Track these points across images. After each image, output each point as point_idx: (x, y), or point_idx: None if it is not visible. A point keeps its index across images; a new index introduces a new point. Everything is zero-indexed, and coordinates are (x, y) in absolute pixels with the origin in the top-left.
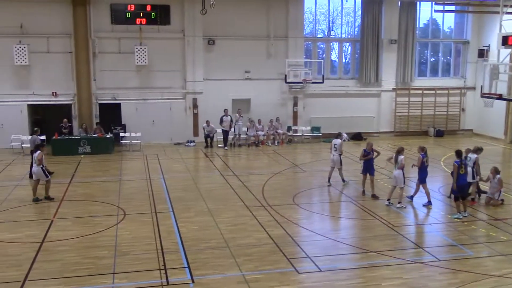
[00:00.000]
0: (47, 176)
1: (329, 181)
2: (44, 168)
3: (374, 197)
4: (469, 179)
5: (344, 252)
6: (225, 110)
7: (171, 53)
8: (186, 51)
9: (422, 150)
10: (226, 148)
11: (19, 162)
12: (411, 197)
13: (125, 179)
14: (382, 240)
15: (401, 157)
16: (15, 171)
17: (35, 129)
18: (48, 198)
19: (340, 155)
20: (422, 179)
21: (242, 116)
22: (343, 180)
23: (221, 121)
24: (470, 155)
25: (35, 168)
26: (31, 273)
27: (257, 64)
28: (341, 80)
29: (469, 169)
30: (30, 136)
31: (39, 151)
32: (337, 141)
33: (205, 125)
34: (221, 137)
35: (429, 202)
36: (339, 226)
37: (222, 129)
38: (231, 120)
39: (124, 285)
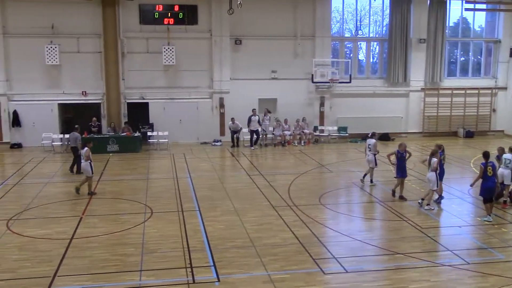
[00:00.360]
0: (92, 173)
1: (371, 181)
2: (91, 164)
3: (402, 198)
4: (508, 181)
5: (370, 253)
6: (253, 110)
7: (198, 53)
8: (213, 51)
9: (440, 148)
10: (254, 148)
11: (49, 160)
12: (440, 198)
13: (152, 178)
14: (410, 242)
15: (434, 159)
16: (46, 168)
17: (76, 126)
18: (91, 193)
19: (375, 155)
20: (439, 177)
21: (269, 116)
22: (371, 181)
23: (249, 121)
24: (506, 156)
25: (83, 163)
26: (60, 269)
27: (283, 64)
28: (368, 80)
29: (506, 171)
30: (71, 133)
31: (86, 148)
32: (371, 141)
33: (230, 123)
34: (248, 137)
35: (441, 197)
36: (366, 227)
37: (250, 129)
38: (259, 120)
39: (151, 282)
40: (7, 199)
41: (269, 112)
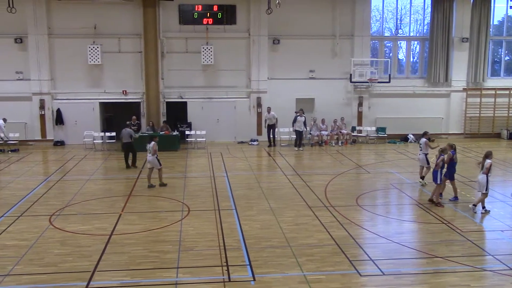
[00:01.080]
0: (160, 165)
1: (422, 178)
2: (157, 157)
3: (433, 202)
4: None
5: (408, 256)
6: (300, 110)
7: (236, 52)
8: (251, 51)
9: (452, 147)
10: (300, 149)
11: (90, 157)
12: (455, 198)
13: (190, 176)
14: (449, 246)
15: (488, 161)
16: (87, 166)
17: (127, 122)
18: (162, 184)
19: (426, 154)
20: (450, 176)
21: (304, 116)
22: (422, 178)
23: (295, 120)
24: None
25: (150, 158)
26: (100, 264)
27: (321, 63)
28: (408, 79)
29: None
30: (124, 129)
31: (153, 142)
32: (422, 140)
33: (266, 113)
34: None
35: (456, 198)
36: (404, 230)
37: (296, 130)
38: (305, 121)
39: (187, 279)
40: (50, 195)
41: (303, 112)
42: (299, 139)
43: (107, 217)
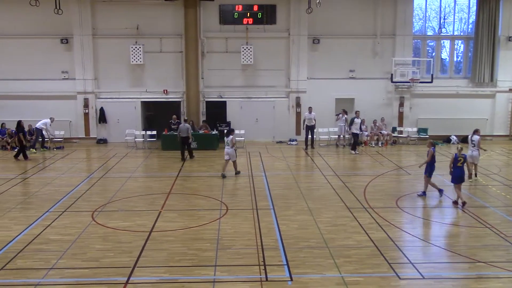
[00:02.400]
0: (236, 156)
1: (475, 176)
2: (235, 149)
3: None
4: None
5: (449, 260)
6: (357, 112)
7: (276, 52)
8: (290, 50)
9: (432, 144)
10: (357, 152)
11: (132, 155)
12: (423, 193)
13: (228, 175)
14: (492, 251)
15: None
16: (128, 163)
17: (185, 118)
18: (237, 172)
19: (478, 150)
20: (430, 173)
21: (345, 117)
22: (475, 175)
23: (352, 122)
24: None
25: (229, 150)
26: (140, 260)
27: (362, 63)
28: (451, 79)
29: None
30: (182, 125)
31: (231, 136)
32: (475, 137)
33: (306, 113)
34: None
35: (424, 193)
36: (445, 233)
37: (353, 133)
38: (362, 123)
39: (224, 278)
40: (93, 191)
41: (346, 113)
42: (355, 142)
43: (147, 214)
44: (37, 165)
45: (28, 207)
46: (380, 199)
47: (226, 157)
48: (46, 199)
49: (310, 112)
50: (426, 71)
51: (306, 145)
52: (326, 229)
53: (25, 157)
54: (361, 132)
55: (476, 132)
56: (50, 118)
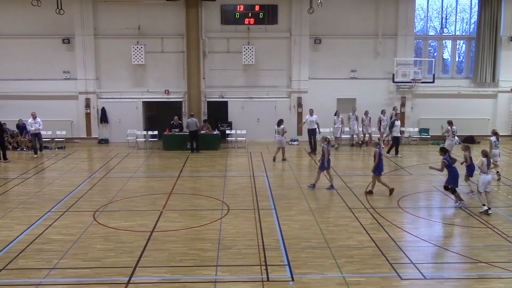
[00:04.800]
0: (284, 144)
1: (498, 174)
2: (285, 138)
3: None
4: None
5: (451, 260)
6: (397, 115)
7: (277, 52)
8: (292, 50)
9: (467, 148)
10: (399, 155)
11: (133, 155)
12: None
13: (229, 175)
14: (495, 251)
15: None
16: (130, 163)
17: (192, 113)
18: (284, 159)
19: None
20: (377, 170)
21: (355, 116)
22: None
23: (392, 125)
24: None
25: (279, 138)
26: (141, 260)
27: (363, 63)
28: (453, 80)
29: None
30: (189, 119)
31: (282, 125)
32: (493, 138)
33: (308, 115)
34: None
35: (332, 187)
36: (447, 233)
37: (395, 136)
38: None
39: (226, 278)
40: (94, 191)
41: (356, 115)
42: (397, 145)
43: (149, 214)
44: (38, 165)
45: (30, 207)
46: (381, 199)
47: (278, 145)
48: (48, 199)
49: (311, 114)
50: (428, 71)
51: (312, 147)
52: (328, 229)
53: (4, 157)
54: (400, 136)
55: (496, 133)
56: (32, 114)
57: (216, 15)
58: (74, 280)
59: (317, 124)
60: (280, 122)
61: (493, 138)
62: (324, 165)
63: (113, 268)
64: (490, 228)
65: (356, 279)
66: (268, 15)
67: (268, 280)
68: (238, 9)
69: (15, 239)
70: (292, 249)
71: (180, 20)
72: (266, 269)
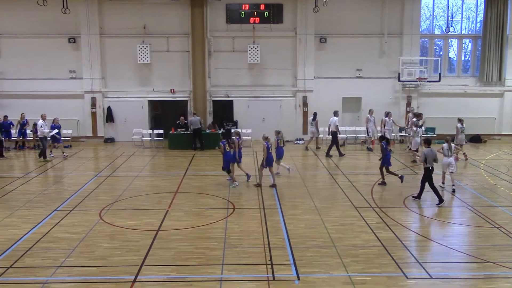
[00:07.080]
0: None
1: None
2: (318, 129)
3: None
4: None
5: (457, 260)
6: (420, 115)
7: (283, 51)
8: (297, 49)
9: (382, 139)
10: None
11: (139, 154)
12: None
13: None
14: (501, 251)
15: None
16: (136, 162)
17: (194, 112)
18: (318, 147)
19: None
20: (386, 162)
21: (373, 117)
22: None
23: (420, 127)
24: None
25: (313, 129)
26: (147, 259)
27: (369, 62)
28: (459, 78)
29: None
30: (192, 118)
31: (317, 119)
32: (459, 124)
33: (311, 118)
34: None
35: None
36: (453, 233)
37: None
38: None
39: (231, 276)
40: (100, 190)
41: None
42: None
43: (155, 213)
44: (45, 164)
45: (36, 206)
46: (387, 199)
47: (311, 135)
48: (54, 198)
49: (314, 118)
50: (434, 70)
51: (338, 152)
52: (333, 228)
53: (1, 155)
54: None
55: None
56: (42, 116)
57: (221, 14)
58: (81, 279)
59: (336, 126)
60: (315, 116)
61: (459, 125)
62: (264, 164)
63: (119, 267)
64: (497, 227)
65: (362, 278)
66: (273, 14)
67: (274, 279)
68: (243, 8)
69: (22, 237)
70: (297, 248)
71: (185, 19)
72: (272, 268)
